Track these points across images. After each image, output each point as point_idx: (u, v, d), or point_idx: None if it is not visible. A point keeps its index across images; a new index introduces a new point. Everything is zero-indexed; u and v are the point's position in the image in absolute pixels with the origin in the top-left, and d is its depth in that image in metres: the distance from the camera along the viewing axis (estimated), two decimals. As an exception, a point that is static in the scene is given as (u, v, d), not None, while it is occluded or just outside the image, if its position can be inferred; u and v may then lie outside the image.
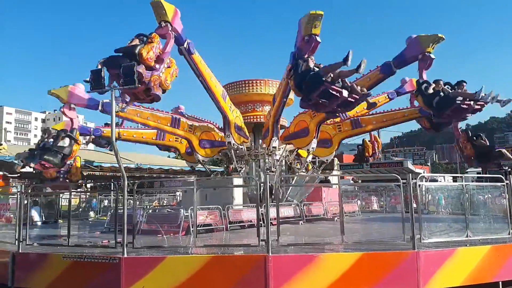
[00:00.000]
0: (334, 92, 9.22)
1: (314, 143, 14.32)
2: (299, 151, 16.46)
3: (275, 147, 14.49)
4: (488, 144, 13.40)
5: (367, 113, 14.95)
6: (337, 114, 11.52)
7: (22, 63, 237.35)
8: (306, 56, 10.06)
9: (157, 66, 9.43)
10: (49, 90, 11.78)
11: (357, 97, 9.48)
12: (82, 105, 12.35)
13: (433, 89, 10.81)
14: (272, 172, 14.56)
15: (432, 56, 10.90)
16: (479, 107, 10.60)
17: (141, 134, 15.07)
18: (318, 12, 9.81)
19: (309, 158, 16.15)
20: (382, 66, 11.75)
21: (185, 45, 11.30)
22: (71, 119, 12.34)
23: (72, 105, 12.14)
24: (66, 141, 11.95)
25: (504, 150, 12.83)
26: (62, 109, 12.06)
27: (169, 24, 10.21)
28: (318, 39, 10.07)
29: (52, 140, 11.93)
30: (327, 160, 15.93)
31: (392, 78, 12.20)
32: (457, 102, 10.29)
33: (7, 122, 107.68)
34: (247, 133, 15.09)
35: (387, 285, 7.25)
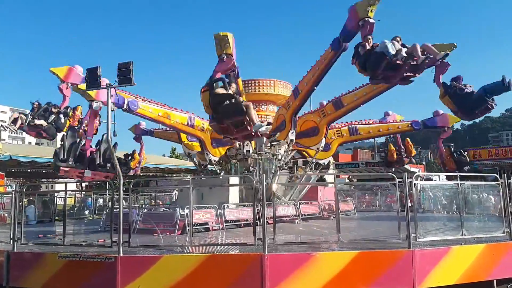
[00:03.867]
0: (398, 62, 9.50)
1: (323, 142, 14.65)
2: (309, 150, 16.39)
3: (292, 140, 14.26)
4: (468, 160, 13.65)
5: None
6: (411, 80, 10.76)
7: (17, 62, 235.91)
8: (363, 40, 10.19)
9: None
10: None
11: (418, 58, 9.61)
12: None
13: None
14: (284, 170, 14.61)
15: (371, 20, 10.20)
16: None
17: (173, 116, 14.37)
18: None
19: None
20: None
21: (234, 71, 11.27)
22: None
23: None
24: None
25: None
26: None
27: (230, 58, 10.44)
28: (372, 20, 10.08)
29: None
30: (324, 163, 15.97)
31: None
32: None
33: (1, 121, 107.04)
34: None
35: (382, 284, 7.28)
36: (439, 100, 11.97)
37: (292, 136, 14.11)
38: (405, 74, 10.11)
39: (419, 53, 9.63)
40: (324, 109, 14.85)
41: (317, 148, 14.86)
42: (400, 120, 17.01)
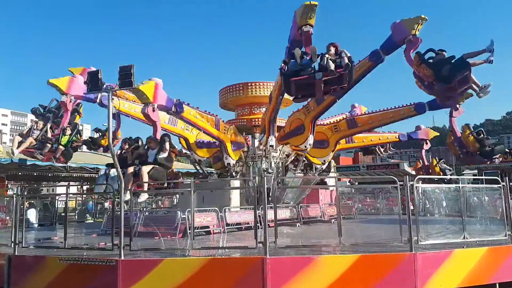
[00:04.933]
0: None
1: (311, 139, 14.20)
2: (313, 159, 16.12)
3: (272, 146, 14.34)
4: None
5: (363, 113, 14.96)
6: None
7: (19, 64, 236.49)
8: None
9: None
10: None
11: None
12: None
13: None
14: (269, 173, 14.47)
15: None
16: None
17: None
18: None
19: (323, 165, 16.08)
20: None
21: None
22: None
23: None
24: None
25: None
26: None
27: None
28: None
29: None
30: (324, 161, 15.81)
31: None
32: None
33: (3, 124, 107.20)
34: (244, 141, 15.01)
35: (384, 287, 7.26)
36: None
37: (271, 142, 14.18)
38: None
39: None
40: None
41: (305, 147, 14.46)
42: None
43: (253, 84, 15.93)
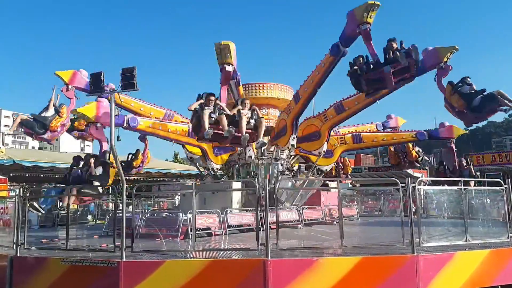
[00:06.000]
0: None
1: (325, 146, 14.69)
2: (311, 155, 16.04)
3: (293, 145, 14.28)
4: (475, 89, 11.40)
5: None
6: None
7: (21, 66, 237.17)
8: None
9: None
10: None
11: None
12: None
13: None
14: (286, 175, 14.58)
15: (367, 27, 10.61)
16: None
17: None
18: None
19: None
20: None
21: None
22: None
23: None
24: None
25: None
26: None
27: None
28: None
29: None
30: (319, 153, 15.65)
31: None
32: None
33: (5, 126, 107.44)
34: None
35: (386, 289, 7.24)
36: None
37: (293, 141, 14.14)
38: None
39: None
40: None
41: (319, 153, 14.87)
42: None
43: (253, 85, 15.96)
